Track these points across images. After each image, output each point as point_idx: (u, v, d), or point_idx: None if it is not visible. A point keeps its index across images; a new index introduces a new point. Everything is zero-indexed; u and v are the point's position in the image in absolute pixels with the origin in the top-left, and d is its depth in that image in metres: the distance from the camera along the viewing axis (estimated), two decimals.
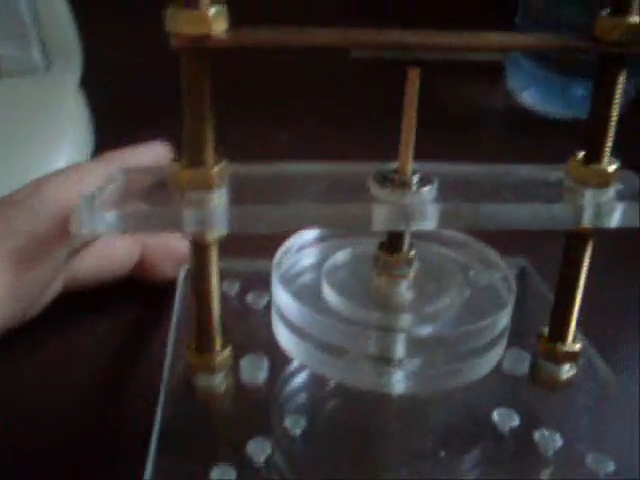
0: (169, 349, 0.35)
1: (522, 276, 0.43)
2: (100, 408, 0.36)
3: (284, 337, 0.32)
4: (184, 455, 0.30)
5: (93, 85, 0.43)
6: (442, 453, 0.31)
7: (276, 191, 0.30)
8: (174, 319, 0.37)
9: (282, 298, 0.32)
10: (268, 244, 0.34)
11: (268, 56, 0.58)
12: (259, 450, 0.30)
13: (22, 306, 0.35)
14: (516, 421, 0.32)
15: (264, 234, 0.35)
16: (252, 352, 0.35)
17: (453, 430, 0.32)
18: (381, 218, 0.29)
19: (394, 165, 0.30)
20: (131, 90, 0.56)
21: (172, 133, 0.30)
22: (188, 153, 0.28)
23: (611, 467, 0.30)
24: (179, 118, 0.28)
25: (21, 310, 0.35)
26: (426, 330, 0.32)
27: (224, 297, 0.39)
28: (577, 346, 0.34)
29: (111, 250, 0.40)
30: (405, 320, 0.31)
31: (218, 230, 0.29)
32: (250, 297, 0.40)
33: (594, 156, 0.30)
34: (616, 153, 0.30)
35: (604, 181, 0.30)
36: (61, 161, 0.48)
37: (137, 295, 0.42)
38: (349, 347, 0.30)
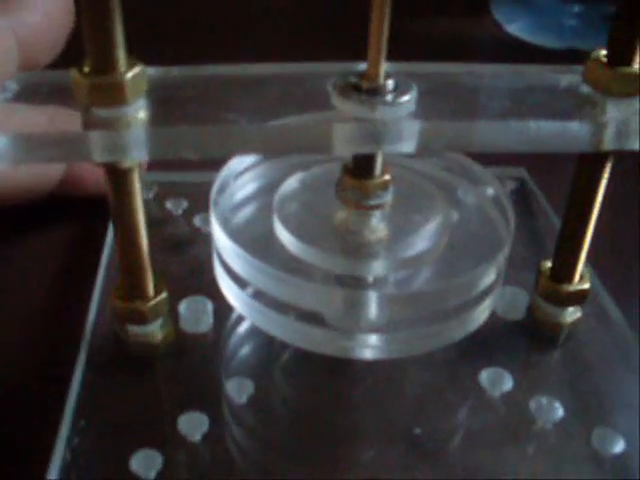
0: (96, 291, 0.29)
1: (520, 192, 0.36)
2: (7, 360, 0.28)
3: (227, 288, 0.26)
4: (99, 441, 0.23)
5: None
6: (417, 430, 0.24)
7: (212, 103, 0.23)
8: (104, 253, 0.30)
9: (223, 242, 0.25)
10: None
11: None
12: (193, 426, 0.24)
13: None
14: (508, 384, 0.26)
15: None
16: (195, 293, 0.28)
17: (431, 396, 0.26)
18: (344, 140, 0.22)
19: (361, 67, 0.23)
20: None
21: None
22: (93, 55, 0.21)
23: (621, 446, 0.24)
24: None
25: None
26: (404, 284, 0.26)
27: (170, 217, 0.33)
28: (585, 285, 0.28)
29: None
30: (377, 268, 0.25)
31: (135, 158, 0.22)
32: (198, 219, 0.33)
33: (621, 55, 0.23)
34: None
35: (633, 89, 0.23)
36: None
37: (63, 216, 0.34)
38: (307, 306, 0.24)
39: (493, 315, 0.28)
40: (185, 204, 0.34)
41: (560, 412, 0.25)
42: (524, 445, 0.24)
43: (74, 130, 0.21)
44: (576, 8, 0.46)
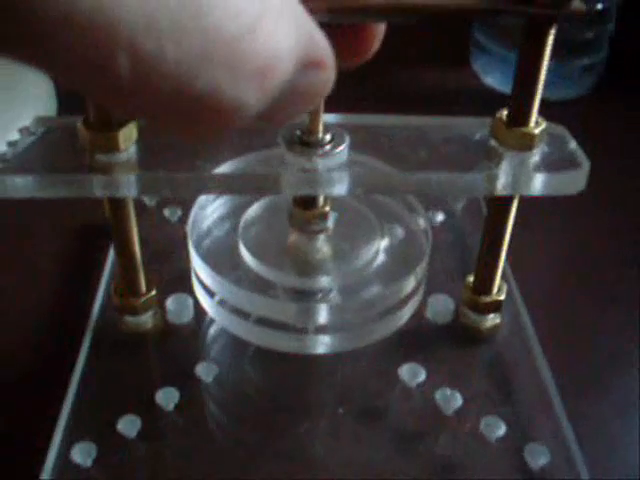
0: (101, 287, 0.35)
1: (471, 209, 0.41)
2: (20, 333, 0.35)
3: (201, 297, 0.32)
4: (96, 406, 0.30)
5: None
6: (340, 410, 0.30)
7: (187, 150, 0.28)
8: (109, 256, 0.37)
9: (196, 261, 0.31)
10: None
11: None
12: (168, 399, 0.30)
13: None
14: (422, 377, 0.31)
15: None
16: (180, 290, 0.34)
17: (358, 385, 0.32)
18: (289, 185, 0.27)
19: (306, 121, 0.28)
20: None
21: None
22: (93, 113, 0.27)
23: (502, 430, 0.29)
24: None
25: None
26: (343, 294, 0.31)
27: (165, 223, 0.40)
28: (501, 297, 0.33)
29: None
30: (321, 283, 0.31)
31: (126, 195, 0.28)
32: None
33: (518, 118, 0.28)
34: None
35: (527, 145, 0.28)
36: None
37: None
38: (264, 315, 0.30)
39: (424, 319, 0.34)
40: (180, 212, 0.40)
41: (460, 401, 0.30)
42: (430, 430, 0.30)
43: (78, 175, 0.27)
44: None
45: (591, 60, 0.55)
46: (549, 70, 0.28)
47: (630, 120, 0.52)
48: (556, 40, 0.28)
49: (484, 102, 0.53)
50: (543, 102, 0.29)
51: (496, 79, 0.57)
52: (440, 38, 0.59)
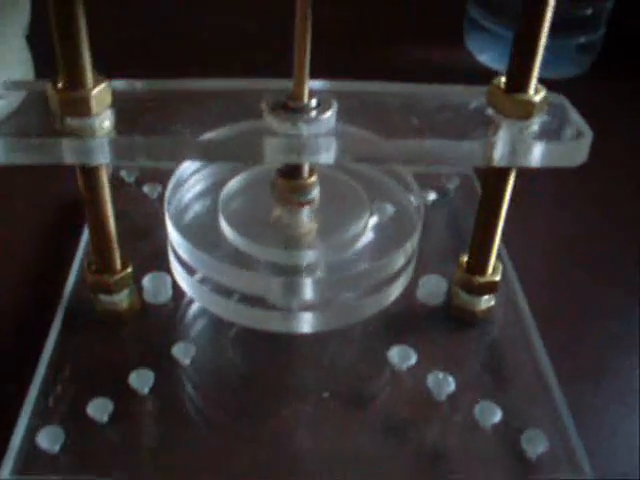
0: (75, 264, 0.33)
1: (464, 188, 0.40)
2: None
3: (178, 274, 0.30)
4: (64, 387, 0.28)
5: (39, 39, 0.40)
6: (325, 394, 0.29)
7: (165, 115, 0.27)
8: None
9: (174, 236, 0.29)
10: None
11: None
12: (142, 381, 0.28)
13: None
14: (413, 360, 0.29)
15: None
16: (158, 268, 0.32)
17: (344, 368, 0.30)
18: (272, 152, 0.25)
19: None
20: None
21: None
22: (64, 74, 0.25)
23: (498, 416, 0.28)
24: None
25: None
26: (329, 269, 0.29)
27: (144, 200, 0.38)
28: (496, 277, 0.31)
29: None
30: (306, 258, 0.29)
31: (99, 161, 0.26)
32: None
33: (516, 84, 0.27)
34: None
35: (526, 112, 0.27)
36: None
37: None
38: (249, 292, 0.28)
39: (415, 301, 0.33)
40: (160, 188, 0.38)
41: (452, 386, 0.29)
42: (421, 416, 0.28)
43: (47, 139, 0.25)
44: None
45: (588, 38, 0.53)
46: (544, 48, 0.27)
47: (627, 100, 0.51)
48: (552, 17, 0.26)
49: (478, 81, 0.50)
50: (538, 81, 0.27)
51: (491, 57, 0.55)
52: (433, 15, 0.58)
